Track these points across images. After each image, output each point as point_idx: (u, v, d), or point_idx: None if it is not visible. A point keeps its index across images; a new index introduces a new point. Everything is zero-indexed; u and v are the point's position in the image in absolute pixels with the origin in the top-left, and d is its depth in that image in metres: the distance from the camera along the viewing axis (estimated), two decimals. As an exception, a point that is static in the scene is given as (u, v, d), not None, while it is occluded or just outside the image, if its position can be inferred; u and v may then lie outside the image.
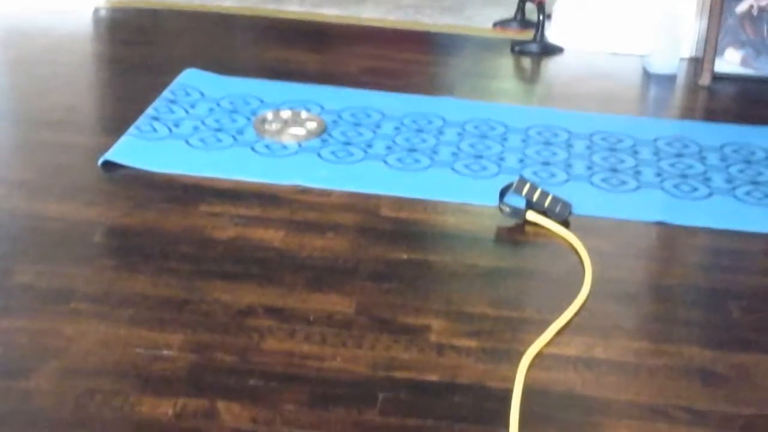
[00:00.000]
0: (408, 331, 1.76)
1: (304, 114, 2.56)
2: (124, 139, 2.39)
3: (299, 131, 2.47)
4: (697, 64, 2.98)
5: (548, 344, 1.74)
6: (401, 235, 2.07)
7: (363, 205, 2.18)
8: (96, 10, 3.28)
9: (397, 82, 2.83)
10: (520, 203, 2.13)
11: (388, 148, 2.43)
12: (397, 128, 2.53)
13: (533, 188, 2.14)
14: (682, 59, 3.01)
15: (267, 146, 2.41)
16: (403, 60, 3.04)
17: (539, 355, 1.71)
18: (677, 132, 2.59)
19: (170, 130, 2.46)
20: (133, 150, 2.34)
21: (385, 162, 2.36)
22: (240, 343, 1.72)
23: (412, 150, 2.43)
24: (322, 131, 2.49)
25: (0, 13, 3.23)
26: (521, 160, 2.40)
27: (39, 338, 1.71)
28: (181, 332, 1.74)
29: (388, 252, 2.01)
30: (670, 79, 2.95)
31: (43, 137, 2.46)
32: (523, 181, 2.16)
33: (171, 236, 2.03)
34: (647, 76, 2.97)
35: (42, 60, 2.92)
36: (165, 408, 1.56)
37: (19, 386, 1.59)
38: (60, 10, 3.23)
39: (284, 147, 2.41)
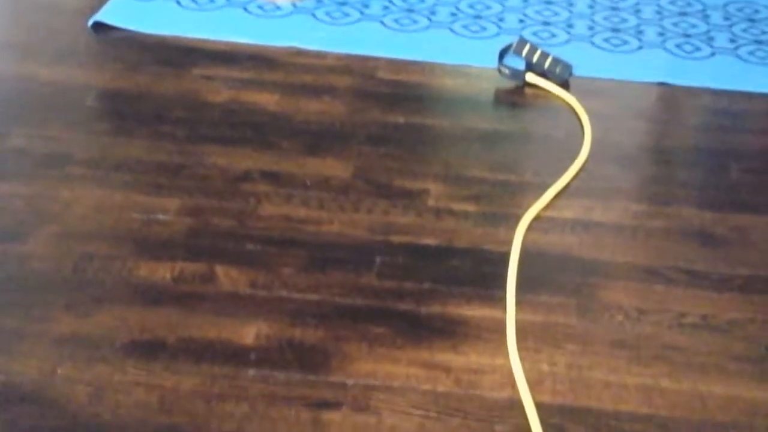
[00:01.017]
0: (405, 195, 1.75)
1: (298, -27, 2.49)
2: (113, 0, 2.32)
3: (293, -9, 2.41)
4: None
5: (546, 207, 1.73)
6: (398, 98, 2.04)
7: (359, 67, 2.14)
8: None
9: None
10: (520, 65, 2.10)
11: (385, 8, 2.37)
12: (393, -12, 2.47)
13: (533, 49, 2.10)
14: None
15: (260, 6, 2.35)
16: None
17: (537, 218, 1.70)
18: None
19: (161, -10, 2.40)
20: (123, 10, 2.29)
21: (382, 23, 2.31)
22: (237, 207, 1.71)
23: (410, 10, 2.37)
24: (317, -9, 2.43)
25: None
26: (521, 20, 2.35)
27: (34, 202, 1.70)
28: (177, 197, 1.72)
29: (385, 115, 1.98)
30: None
31: (30, -2, 2.40)
32: (522, 41, 2.12)
33: (165, 100, 2.00)
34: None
35: None
36: (163, 272, 1.56)
37: (16, 250, 1.59)
38: None
39: (278, 7, 2.35)
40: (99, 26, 2.24)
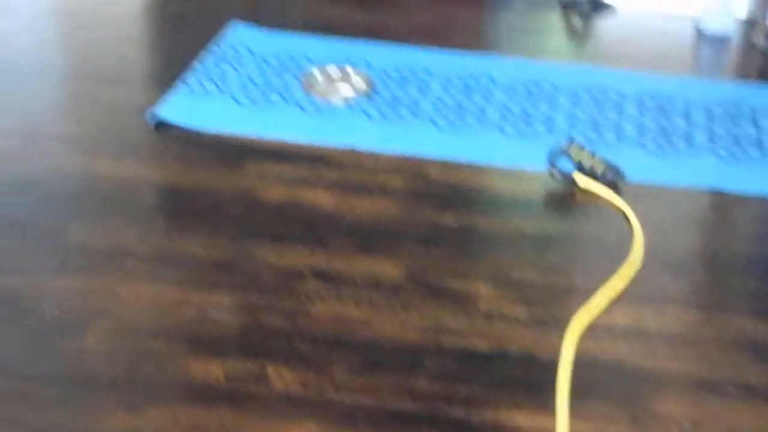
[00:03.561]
0: (456, 298, 1.76)
1: (351, 72, 2.55)
2: (173, 97, 2.39)
3: (347, 90, 2.46)
4: (751, 25, 2.92)
5: (597, 313, 1.73)
6: (450, 199, 2.07)
7: (411, 167, 2.17)
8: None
9: (445, 40, 2.80)
10: (569, 167, 2.12)
11: (436, 108, 2.42)
12: (444, 88, 2.52)
13: (582, 151, 2.13)
14: (736, 20, 2.95)
15: (315, 105, 2.41)
16: (451, 16, 3.01)
17: (588, 324, 1.70)
18: (730, 94, 2.55)
19: (218, 87, 2.46)
20: (181, 107, 2.35)
21: (434, 122, 2.35)
22: (289, 306, 1.73)
23: (461, 110, 2.41)
24: (370, 90, 2.48)
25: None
26: (570, 122, 2.38)
27: (92, 297, 1.73)
28: (230, 294, 1.75)
29: (436, 216, 2.01)
30: (723, 40, 2.90)
31: (92, 92, 2.47)
32: (571, 143, 2.14)
33: (220, 197, 2.04)
34: (700, 37, 2.91)
35: (87, 9, 2.93)
36: (216, 370, 1.58)
37: (72, 345, 1.62)
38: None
39: (332, 106, 2.41)
40: (159, 123, 2.30)
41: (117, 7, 2.98)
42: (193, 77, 2.49)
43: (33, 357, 1.59)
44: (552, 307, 1.75)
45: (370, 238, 1.93)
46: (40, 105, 2.42)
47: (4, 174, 2.09)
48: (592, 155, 2.13)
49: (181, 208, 2.02)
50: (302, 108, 2.40)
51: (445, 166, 2.18)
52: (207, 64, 2.57)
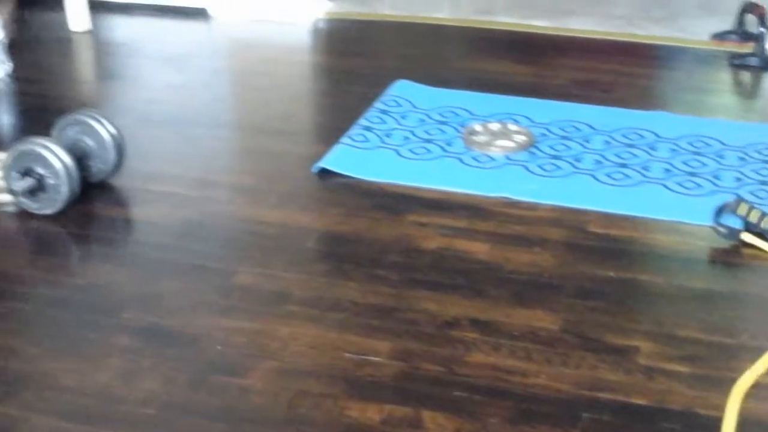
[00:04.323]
0: (615, 352, 1.74)
1: (512, 126, 2.57)
2: (337, 148, 2.46)
3: (507, 143, 2.48)
4: None
5: (764, 373, 1.67)
6: (609, 253, 2.04)
7: (570, 220, 2.16)
8: (315, 22, 3.39)
9: (607, 95, 2.79)
10: (737, 224, 2.06)
11: (597, 162, 2.40)
12: (606, 142, 2.50)
13: (751, 208, 2.07)
14: None
15: (475, 158, 2.43)
16: (614, 72, 2.99)
17: (754, 385, 1.64)
18: None
19: (381, 139, 2.52)
20: (345, 158, 2.41)
21: (594, 177, 2.34)
22: (445, 353, 1.74)
23: (623, 165, 2.39)
24: (530, 144, 2.49)
25: (224, 25, 3.39)
26: (738, 179, 2.32)
27: (256, 338, 1.79)
28: (388, 339, 1.78)
29: (595, 269, 1.98)
30: None
31: (261, 144, 2.57)
32: (739, 200, 2.09)
33: (380, 244, 2.08)
34: None
35: (262, 70, 3.05)
36: (372, 413, 1.60)
37: (237, 383, 1.67)
38: (281, 22, 3.36)
39: (492, 159, 2.42)
40: (323, 172, 2.36)
41: (287, 67, 3.09)
42: (357, 130, 2.56)
43: (200, 393, 1.65)
44: (716, 365, 1.70)
45: (527, 288, 1.92)
46: (213, 155, 2.53)
47: (178, 219, 2.19)
48: (761, 213, 2.06)
49: (341, 254, 2.07)
50: (462, 160, 2.42)
51: (606, 219, 2.16)
52: (371, 118, 2.63)
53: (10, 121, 2.82)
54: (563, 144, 2.49)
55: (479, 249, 2.06)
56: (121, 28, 3.37)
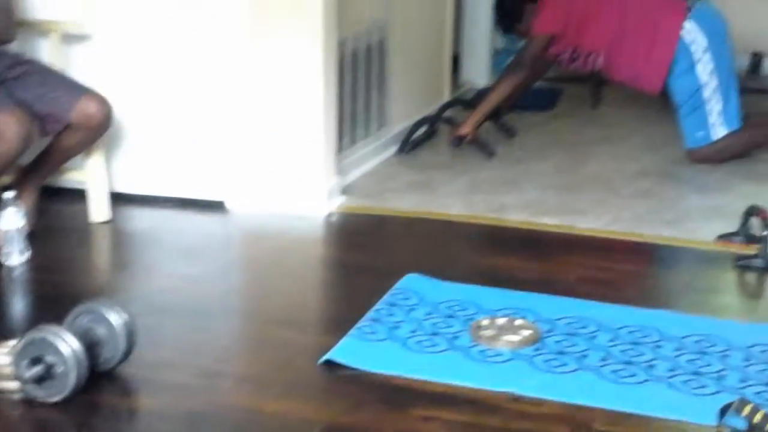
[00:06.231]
0: None
1: (519, 321, 2.59)
2: (344, 340, 2.48)
3: (514, 338, 2.50)
4: None
5: None
6: (614, 450, 2.03)
7: (576, 416, 2.15)
8: (328, 215, 3.48)
9: (614, 293, 2.82)
10: (741, 425, 2.05)
11: (603, 359, 2.41)
12: (612, 340, 2.51)
13: (755, 410, 2.06)
14: None
15: (481, 352, 2.45)
16: (621, 271, 3.04)
17: None
18: None
19: (389, 332, 2.54)
20: (352, 350, 2.43)
21: (599, 374, 2.34)
22: None
23: (628, 363, 2.39)
24: (537, 339, 2.51)
25: (241, 217, 3.48)
26: (743, 380, 2.32)
27: None
28: None
29: (600, 469, 1.97)
30: None
31: (270, 334, 2.60)
32: (744, 401, 2.08)
33: (383, 438, 2.08)
34: None
35: (275, 261, 3.12)
36: None
37: None
38: (295, 216, 3.45)
39: (498, 353, 2.44)
40: (330, 363, 2.38)
41: (300, 258, 3.15)
42: (365, 322, 2.59)
43: None
44: None
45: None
46: (222, 344, 2.56)
47: (182, 410, 2.20)
48: (766, 415, 2.05)
49: (344, 446, 2.06)
50: (469, 355, 2.43)
51: (611, 416, 2.15)
52: (380, 310, 2.67)
53: (23, 309, 2.87)
54: (569, 340, 2.51)
55: (483, 445, 2.05)
56: (141, 219, 3.47)
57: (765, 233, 3.05)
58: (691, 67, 3.99)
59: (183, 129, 3.54)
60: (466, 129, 4.17)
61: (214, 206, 3.52)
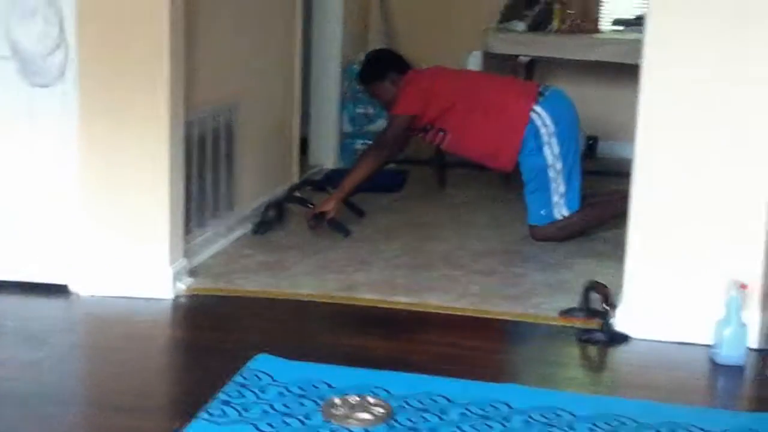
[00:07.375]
0: None
1: (371, 399, 2.59)
2: (194, 424, 2.43)
3: (366, 416, 2.50)
4: (763, 354, 2.98)
5: None
6: None
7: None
8: (176, 297, 3.42)
9: (464, 369, 2.86)
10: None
11: (463, 435, 2.44)
12: (463, 414, 2.55)
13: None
14: (749, 349, 3.00)
15: (333, 431, 2.43)
16: (470, 347, 3.09)
17: None
18: (747, 424, 2.55)
19: (240, 414, 2.50)
20: (201, 435, 2.38)
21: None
22: None
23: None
24: (389, 417, 2.51)
25: (85, 301, 3.38)
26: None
27: None
28: None
29: None
30: (737, 370, 2.93)
31: (114, 422, 2.51)
32: (590, 471, 2.13)
33: None
34: (715, 367, 2.96)
35: (121, 345, 3.03)
36: None
37: None
38: (141, 298, 3.38)
39: (350, 432, 2.43)
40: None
41: (147, 342, 3.06)
42: (215, 405, 2.54)
43: None
44: None
45: None
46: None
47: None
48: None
49: None
50: (324, 436, 2.42)
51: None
52: (230, 392, 2.62)
53: None
54: (421, 416, 2.53)
55: None
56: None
57: (605, 307, 3.17)
58: (539, 148, 4.17)
59: (21, 211, 3.43)
60: (328, 206, 4.18)
61: (57, 290, 3.41)
